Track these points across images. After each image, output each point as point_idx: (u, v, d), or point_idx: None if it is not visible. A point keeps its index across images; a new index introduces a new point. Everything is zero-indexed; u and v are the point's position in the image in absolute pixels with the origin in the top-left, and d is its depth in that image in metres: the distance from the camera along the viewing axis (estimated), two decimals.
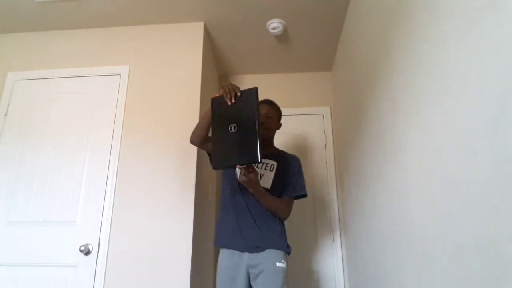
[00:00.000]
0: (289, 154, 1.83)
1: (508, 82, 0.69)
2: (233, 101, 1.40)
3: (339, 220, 2.64)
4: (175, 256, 1.86)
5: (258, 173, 1.53)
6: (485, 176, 0.76)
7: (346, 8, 2.21)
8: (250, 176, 1.45)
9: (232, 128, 1.38)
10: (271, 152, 1.77)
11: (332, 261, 2.57)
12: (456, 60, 0.89)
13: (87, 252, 1.89)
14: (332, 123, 2.87)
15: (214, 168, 1.43)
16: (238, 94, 1.40)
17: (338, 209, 2.66)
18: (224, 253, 1.66)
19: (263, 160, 1.71)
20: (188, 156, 2.03)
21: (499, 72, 0.72)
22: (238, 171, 1.45)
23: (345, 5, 2.18)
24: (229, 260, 1.61)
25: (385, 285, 1.54)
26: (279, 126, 1.84)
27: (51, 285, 1.86)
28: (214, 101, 1.49)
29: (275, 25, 2.35)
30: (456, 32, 0.89)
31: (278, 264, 1.54)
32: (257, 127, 1.34)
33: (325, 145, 2.82)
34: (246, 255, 1.59)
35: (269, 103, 1.82)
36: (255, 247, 1.58)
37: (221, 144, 1.40)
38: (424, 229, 1.10)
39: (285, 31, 2.43)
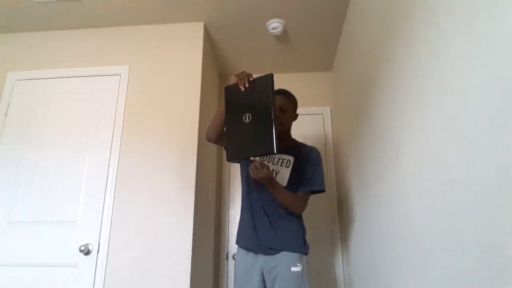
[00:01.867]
0: (307, 146, 1.71)
1: (508, 81, 0.69)
2: (246, 85, 1.34)
3: (339, 220, 2.64)
4: (175, 256, 1.85)
5: (269, 168, 1.45)
6: (485, 176, 0.76)
7: (346, 8, 2.21)
8: (263, 172, 1.38)
9: (247, 117, 1.31)
10: (288, 146, 1.66)
11: (332, 261, 2.57)
12: (456, 60, 0.89)
13: (87, 252, 1.89)
14: (332, 123, 2.87)
15: (228, 160, 1.37)
16: (251, 79, 1.36)
17: (338, 209, 2.66)
18: (239, 253, 1.63)
19: (279, 156, 1.62)
20: (188, 156, 2.03)
21: (499, 72, 0.72)
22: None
23: (345, 5, 2.18)
24: (244, 261, 1.58)
25: (385, 285, 1.54)
26: (295, 117, 1.75)
27: (51, 285, 1.86)
28: (227, 89, 1.42)
29: (275, 25, 2.35)
30: (456, 32, 0.89)
31: (293, 268, 1.49)
32: (272, 115, 1.27)
33: (325, 145, 2.82)
34: (261, 257, 1.55)
35: (284, 93, 1.71)
36: (270, 249, 1.53)
37: (235, 135, 1.34)
38: (424, 229, 1.10)
39: (285, 31, 2.43)
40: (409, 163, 1.21)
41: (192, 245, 1.87)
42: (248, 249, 1.59)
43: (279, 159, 1.62)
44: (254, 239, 1.57)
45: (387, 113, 1.45)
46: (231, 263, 2.62)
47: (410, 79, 1.20)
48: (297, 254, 1.53)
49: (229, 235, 2.69)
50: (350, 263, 2.39)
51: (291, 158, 1.62)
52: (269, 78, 1.33)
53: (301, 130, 2.83)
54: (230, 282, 2.57)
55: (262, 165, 1.39)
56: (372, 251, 1.76)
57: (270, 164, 1.62)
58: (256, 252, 1.56)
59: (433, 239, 1.03)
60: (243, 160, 1.61)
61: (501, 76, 0.71)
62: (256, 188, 1.61)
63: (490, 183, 0.74)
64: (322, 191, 1.65)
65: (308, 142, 2.79)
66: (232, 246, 2.65)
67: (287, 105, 1.69)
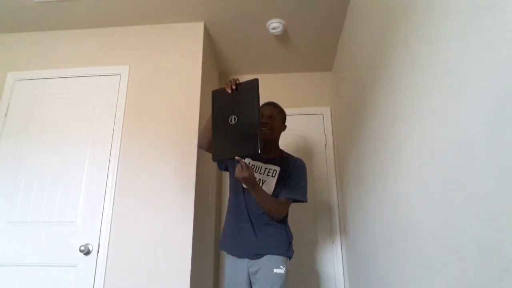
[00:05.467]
0: (293, 158, 1.76)
1: (508, 82, 0.69)
2: (233, 87, 1.40)
3: (339, 220, 2.64)
4: (175, 256, 1.85)
5: (253, 170, 1.50)
6: (485, 176, 0.76)
7: (346, 8, 2.21)
8: (246, 172, 1.41)
9: (233, 119, 1.36)
10: (274, 156, 1.72)
11: (332, 262, 2.57)
12: (456, 60, 0.89)
13: (87, 252, 1.89)
14: (332, 123, 2.87)
15: (214, 160, 1.42)
16: (237, 83, 1.41)
17: (338, 209, 2.66)
18: (228, 259, 1.68)
19: (266, 166, 1.68)
20: (188, 156, 2.03)
21: (499, 72, 0.72)
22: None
23: (345, 5, 2.18)
24: (232, 267, 1.64)
25: (385, 285, 1.54)
26: (283, 128, 1.81)
27: (51, 285, 1.86)
28: (214, 93, 1.48)
29: (275, 25, 2.35)
30: (456, 32, 0.89)
31: (275, 270, 1.53)
32: (257, 117, 1.31)
33: (325, 145, 2.82)
34: (246, 261, 1.60)
35: (273, 104, 1.79)
36: (254, 254, 1.58)
37: (220, 136, 1.39)
38: (424, 229, 1.10)
39: (285, 31, 2.43)
40: (409, 163, 1.21)
41: (192, 245, 1.87)
42: (234, 254, 1.64)
43: (266, 169, 1.68)
44: (239, 245, 1.62)
45: (387, 113, 1.45)
46: None
47: (410, 79, 1.20)
48: (281, 257, 1.57)
49: None
50: (350, 263, 2.39)
51: (277, 168, 1.67)
52: (254, 82, 1.38)
53: (301, 130, 2.84)
54: None
55: (246, 166, 1.43)
56: (373, 251, 1.76)
57: (257, 173, 1.67)
58: (241, 257, 1.62)
59: (433, 239, 1.03)
60: (228, 160, 1.65)
61: (501, 76, 0.71)
62: (243, 195, 1.65)
63: (490, 183, 0.74)
64: (304, 201, 1.69)
65: (308, 142, 2.82)
66: None
67: (276, 114, 1.75)
